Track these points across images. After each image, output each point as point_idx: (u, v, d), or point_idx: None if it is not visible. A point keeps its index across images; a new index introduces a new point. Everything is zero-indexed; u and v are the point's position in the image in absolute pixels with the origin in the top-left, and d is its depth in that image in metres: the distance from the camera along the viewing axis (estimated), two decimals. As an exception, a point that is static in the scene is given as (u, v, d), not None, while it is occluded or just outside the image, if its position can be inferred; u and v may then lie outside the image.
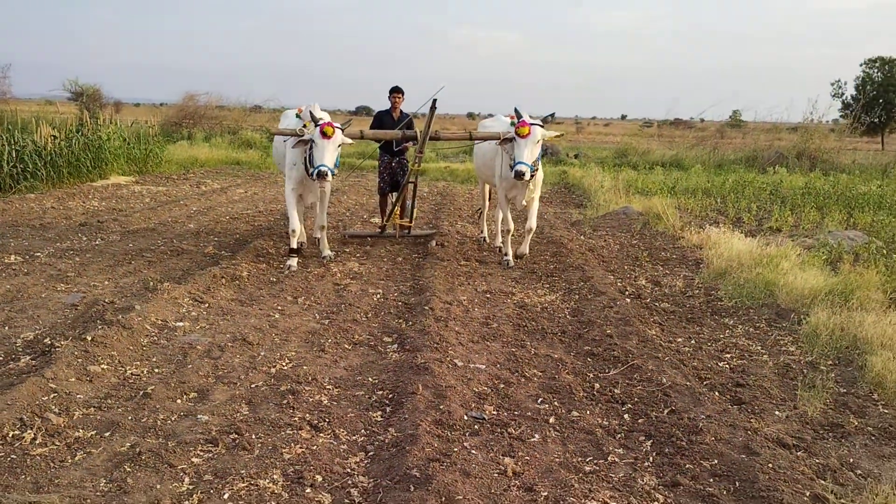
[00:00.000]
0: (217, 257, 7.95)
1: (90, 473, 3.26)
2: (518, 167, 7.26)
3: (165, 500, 3.05)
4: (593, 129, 55.53)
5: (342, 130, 7.32)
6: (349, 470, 3.45)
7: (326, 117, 7.33)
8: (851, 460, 3.77)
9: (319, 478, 3.34)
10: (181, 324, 5.38)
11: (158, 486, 3.16)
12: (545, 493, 3.26)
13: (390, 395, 4.34)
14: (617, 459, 3.69)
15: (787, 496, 3.26)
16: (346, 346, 5.22)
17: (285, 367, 4.71)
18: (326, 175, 6.95)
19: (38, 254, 7.55)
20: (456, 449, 3.59)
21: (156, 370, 4.53)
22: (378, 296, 6.64)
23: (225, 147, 22.80)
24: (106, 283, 6.58)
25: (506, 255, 8.21)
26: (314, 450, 3.60)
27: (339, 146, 7.25)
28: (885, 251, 8.39)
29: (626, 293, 7.12)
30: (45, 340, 4.86)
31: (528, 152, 7.35)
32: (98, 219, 9.68)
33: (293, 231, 7.62)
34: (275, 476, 3.32)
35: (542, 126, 7.53)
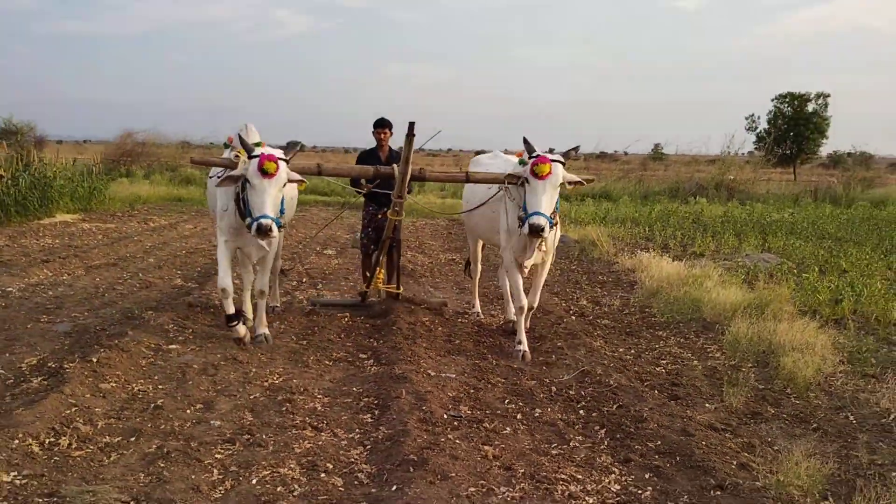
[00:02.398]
0: (186, 289, 8.34)
1: (129, 469, 3.72)
2: (533, 220, 5.44)
3: (203, 486, 3.55)
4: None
5: (287, 163, 5.49)
6: (353, 459, 4.01)
7: (266, 147, 5.46)
8: (769, 439, 4.53)
9: (330, 465, 3.89)
10: (174, 346, 5.82)
11: (192, 476, 3.65)
12: (522, 471, 3.89)
13: (375, 401, 4.90)
14: (578, 444, 4.35)
15: (718, 465, 3.98)
16: (328, 362, 5.76)
17: (277, 381, 5.22)
18: (269, 231, 5.15)
19: (10, 289, 7.81)
20: (442, 440, 4.18)
21: (160, 386, 4.97)
22: (346, 318, 7.18)
23: (165, 184, 22.93)
24: (86, 313, 6.93)
25: (519, 342, 6.11)
26: (320, 444, 4.15)
27: (285, 186, 5.45)
28: (795, 271, 9.45)
29: (571, 312, 7.89)
30: (51, 364, 5.23)
31: (547, 199, 5.55)
32: (59, 255, 9.90)
33: (223, 290, 5.77)
34: (291, 465, 3.85)
35: (563, 164, 5.75)
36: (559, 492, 3.69)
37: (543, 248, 5.96)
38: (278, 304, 7.28)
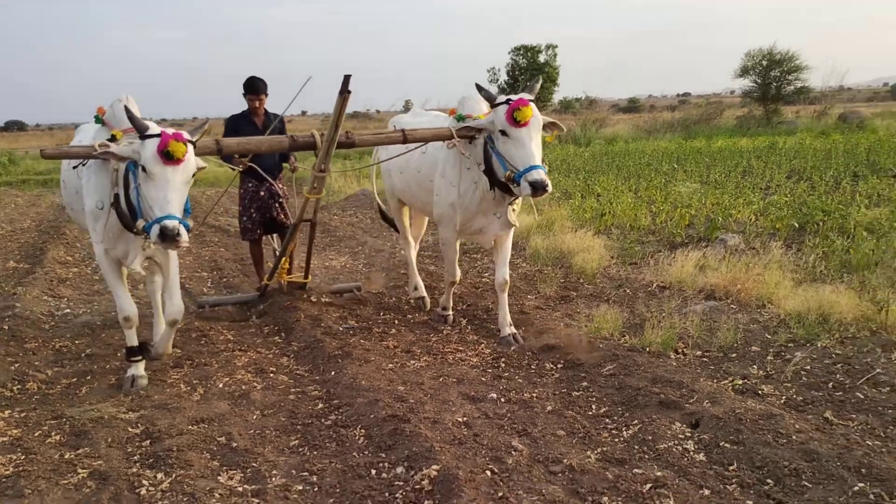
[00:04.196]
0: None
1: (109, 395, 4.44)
2: (533, 175, 4.53)
3: (182, 394, 4.39)
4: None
5: (195, 145, 4.18)
6: (286, 364, 5.03)
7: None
8: (578, 310, 6.19)
9: (273, 369, 4.89)
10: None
11: (168, 391, 4.46)
12: (419, 350, 5.15)
13: (277, 328, 5.86)
14: (448, 331, 5.70)
15: (553, 327, 5.54)
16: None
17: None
18: (178, 237, 3.84)
19: None
20: (350, 342, 5.31)
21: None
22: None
23: None
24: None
25: (444, 308, 5.91)
26: (253, 358, 5.10)
27: (194, 176, 4.17)
28: (563, 198, 11.57)
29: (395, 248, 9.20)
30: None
31: (537, 146, 4.72)
32: None
33: (126, 318, 4.59)
34: (242, 373, 4.79)
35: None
36: (451, 358, 5.02)
37: (513, 210, 5.32)
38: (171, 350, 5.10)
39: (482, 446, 3.66)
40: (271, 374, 4.80)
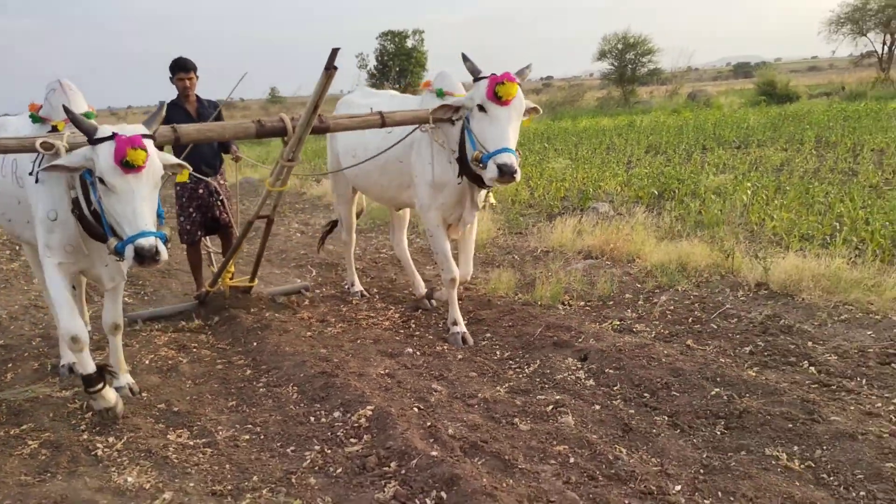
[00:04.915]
0: None
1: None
2: (501, 158, 4.16)
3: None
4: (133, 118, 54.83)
5: (154, 138, 3.53)
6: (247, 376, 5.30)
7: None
8: (474, 275, 6.77)
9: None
10: None
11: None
12: (336, 319, 5.56)
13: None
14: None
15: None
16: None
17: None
18: (156, 255, 3.27)
19: None
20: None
21: None
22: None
23: None
24: None
25: (454, 323, 5.04)
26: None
27: (164, 179, 3.59)
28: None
29: (299, 231, 9.48)
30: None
31: (514, 130, 4.35)
32: None
33: (74, 338, 3.76)
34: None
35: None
36: (364, 323, 5.47)
37: (491, 200, 5.10)
38: (132, 382, 4.42)
39: (407, 390, 4.15)
40: (194, 349, 5.06)
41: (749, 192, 8.41)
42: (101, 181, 3.31)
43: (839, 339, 4.52)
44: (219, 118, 5.41)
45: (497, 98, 4.25)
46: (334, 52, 3.88)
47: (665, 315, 5.20)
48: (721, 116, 20.45)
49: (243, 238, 5.27)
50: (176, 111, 5.48)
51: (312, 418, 3.91)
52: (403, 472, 3.24)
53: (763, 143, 14.25)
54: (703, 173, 10.35)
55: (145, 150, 3.31)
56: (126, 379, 4.35)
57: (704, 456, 3.32)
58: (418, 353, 4.82)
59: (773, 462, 3.22)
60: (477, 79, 4.41)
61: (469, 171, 4.62)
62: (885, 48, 36.03)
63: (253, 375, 4.60)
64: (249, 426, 3.88)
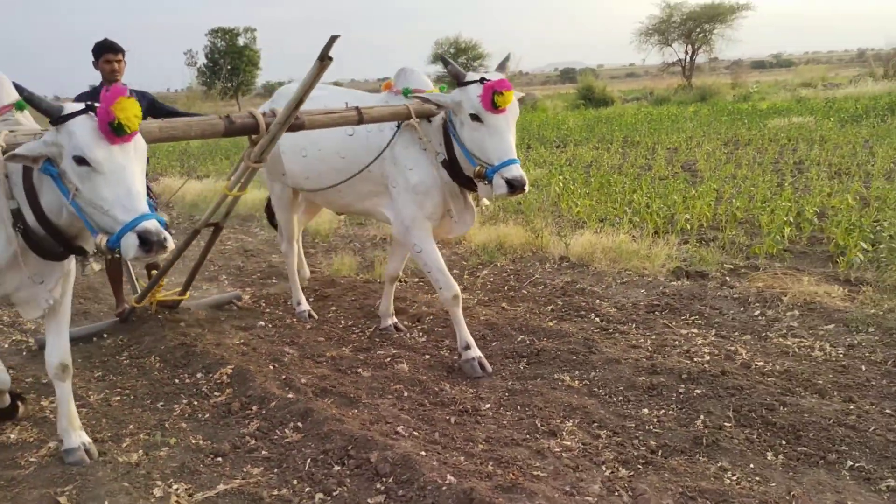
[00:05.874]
0: None
1: None
2: (511, 171, 3.85)
3: None
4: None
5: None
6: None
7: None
8: (319, 260, 7.38)
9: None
10: None
11: None
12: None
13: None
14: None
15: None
16: None
17: None
18: (165, 241, 2.72)
19: None
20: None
21: None
22: None
23: None
24: None
25: (466, 347, 4.43)
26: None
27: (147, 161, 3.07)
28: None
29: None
30: None
31: (513, 135, 4.04)
32: None
33: None
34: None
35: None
36: (218, 304, 5.93)
37: (485, 202, 4.83)
38: (87, 441, 3.52)
39: (262, 353, 4.72)
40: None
41: (560, 184, 9.60)
42: (80, 162, 2.70)
43: (619, 296, 5.60)
44: (156, 108, 5.03)
45: (495, 107, 3.89)
46: (332, 39, 3.38)
47: (486, 285, 6.09)
48: (545, 119, 22.24)
49: (185, 247, 4.76)
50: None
51: (177, 380, 4.38)
52: (264, 412, 3.85)
53: (579, 142, 15.86)
54: (525, 168, 11.54)
55: (138, 115, 2.81)
56: (81, 438, 3.44)
57: (509, 384, 4.18)
58: (270, 325, 5.38)
59: (560, 383, 4.14)
60: (462, 83, 4.02)
61: (461, 174, 4.23)
62: (688, 57, 40.25)
63: (114, 349, 4.96)
64: (119, 389, 4.29)
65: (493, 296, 5.82)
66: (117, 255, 2.77)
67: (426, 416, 3.78)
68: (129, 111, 2.74)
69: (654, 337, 4.77)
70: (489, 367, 4.38)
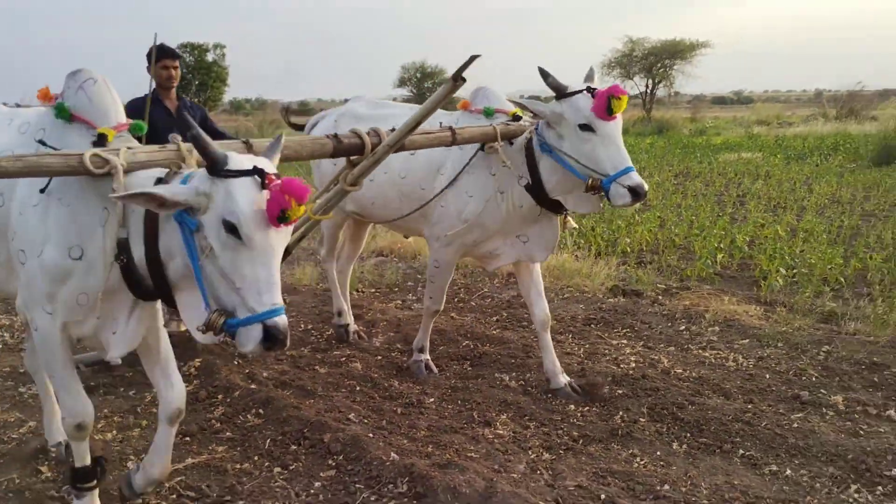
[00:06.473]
0: None
1: None
2: (632, 179, 3.67)
3: None
4: None
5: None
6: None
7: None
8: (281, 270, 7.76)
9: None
10: None
11: None
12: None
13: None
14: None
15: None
16: None
17: None
18: (286, 342, 2.40)
19: None
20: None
21: None
22: None
23: None
24: None
25: (421, 350, 4.82)
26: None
27: None
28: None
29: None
30: None
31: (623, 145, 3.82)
32: None
33: (81, 426, 2.98)
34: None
35: None
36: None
37: (572, 224, 4.46)
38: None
39: (226, 353, 5.06)
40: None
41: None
42: (233, 229, 2.31)
43: (560, 310, 6.09)
44: (205, 126, 4.58)
45: (609, 113, 3.67)
46: (471, 59, 3.22)
47: (438, 297, 6.54)
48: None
49: None
50: (156, 109, 4.60)
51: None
52: (228, 400, 4.23)
53: (537, 168, 16.46)
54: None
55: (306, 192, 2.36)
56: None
57: (453, 382, 4.62)
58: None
59: (499, 383, 4.59)
60: (564, 95, 3.81)
61: (546, 198, 4.06)
62: (648, 91, 41.56)
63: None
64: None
65: (444, 306, 6.24)
66: (225, 339, 2.45)
67: (375, 407, 4.19)
68: (296, 208, 2.33)
69: (587, 346, 5.26)
70: (435, 370, 4.76)
